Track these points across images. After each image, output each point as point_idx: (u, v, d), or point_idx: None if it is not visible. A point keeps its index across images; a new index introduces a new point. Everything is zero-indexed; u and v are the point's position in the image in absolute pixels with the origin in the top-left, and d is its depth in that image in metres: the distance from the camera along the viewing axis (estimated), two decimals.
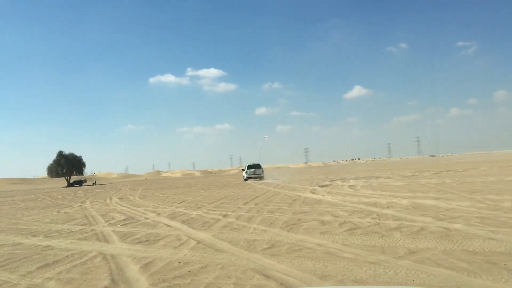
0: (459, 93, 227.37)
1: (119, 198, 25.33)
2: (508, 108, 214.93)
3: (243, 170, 39.31)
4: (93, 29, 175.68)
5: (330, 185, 22.90)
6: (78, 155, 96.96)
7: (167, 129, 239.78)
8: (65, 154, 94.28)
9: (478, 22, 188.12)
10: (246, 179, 36.81)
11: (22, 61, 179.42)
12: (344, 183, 23.80)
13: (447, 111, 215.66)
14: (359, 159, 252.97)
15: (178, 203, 18.22)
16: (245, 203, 15.71)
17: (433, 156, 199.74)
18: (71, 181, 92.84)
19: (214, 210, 14.06)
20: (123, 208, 17.98)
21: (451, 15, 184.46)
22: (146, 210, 16.16)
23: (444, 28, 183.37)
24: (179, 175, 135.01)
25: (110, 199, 25.39)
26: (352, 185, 21.03)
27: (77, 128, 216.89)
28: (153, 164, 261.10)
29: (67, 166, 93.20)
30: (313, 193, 18.18)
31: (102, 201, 24.36)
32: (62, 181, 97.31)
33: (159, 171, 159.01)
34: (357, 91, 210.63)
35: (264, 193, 20.53)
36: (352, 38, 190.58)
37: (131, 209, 17.19)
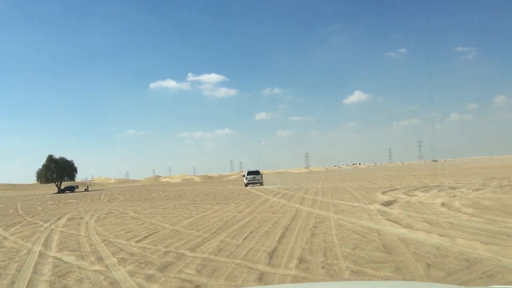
0: (459, 98, 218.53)
1: (69, 219, 16.33)
2: (508, 113, 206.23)
3: (244, 176, 39.20)
4: (94, 35, 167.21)
5: (394, 200, 13.83)
6: (69, 159, 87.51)
7: (167, 134, 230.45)
8: (55, 158, 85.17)
9: (478, 27, 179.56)
10: (246, 185, 36.39)
11: (23, 67, 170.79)
12: (415, 197, 14.75)
13: (447, 116, 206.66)
14: (360, 164, 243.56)
15: (138, 241, 9.20)
16: (272, 254, 6.68)
17: (435, 161, 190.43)
18: (62, 187, 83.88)
19: None
20: (29, 257, 8.97)
21: (450, 20, 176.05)
22: (57, 265, 7.15)
23: (444, 34, 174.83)
24: (178, 180, 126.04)
25: (57, 220, 16.41)
26: (444, 204, 11.92)
27: (78, 133, 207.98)
28: (153, 169, 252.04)
29: (57, 171, 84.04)
30: (399, 223, 9.07)
31: (41, 223, 15.58)
32: (53, 187, 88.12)
33: (159, 176, 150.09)
34: (357, 96, 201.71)
35: (293, 216, 11.52)
36: (352, 43, 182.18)
37: (40, 256, 8.19)
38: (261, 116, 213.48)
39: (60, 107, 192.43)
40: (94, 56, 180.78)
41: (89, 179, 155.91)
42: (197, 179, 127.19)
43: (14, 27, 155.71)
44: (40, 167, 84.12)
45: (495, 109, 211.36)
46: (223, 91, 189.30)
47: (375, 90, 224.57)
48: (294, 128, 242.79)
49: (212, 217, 13.18)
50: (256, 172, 37.26)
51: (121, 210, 19.49)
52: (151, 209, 18.33)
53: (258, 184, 36.02)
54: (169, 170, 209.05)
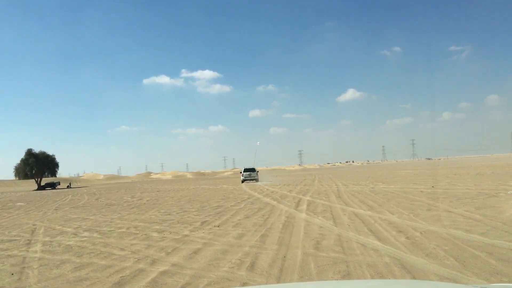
0: (452, 97, 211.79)
1: None
2: (500, 112, 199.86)
3: (240, 173, 40.06)
4: (87, 30, 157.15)
5: None
6: (51, 153, 78.24)
7: (161, 130, 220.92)
8: (35, 152, 75.78)
9: (471, 26, 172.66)
10: (243, 181, 37.09)
11: (15, 61, 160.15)
12: None
13: (440, 115, 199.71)
14: (353, 161, 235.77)
15: None
16: None
17: (429, 159, 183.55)
18: (43, 183, 74.68)
19: None
20: None
21: (444, 19, 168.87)
22: None
23: (437, 32, 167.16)
24: (169, 177, 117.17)
25: None
26: None
27: (70, 129, 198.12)
28: (146, 166, 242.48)
29: (37, 167, 74.77)
30: None
31: None
32: (34, 184, 78.70)
33: (150, 173, 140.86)
34: (351, 93, 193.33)
35: None
36: (346, 41, 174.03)
37: None
38: (254, 113, 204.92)
39: (53, 103, 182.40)
40: (87, 52, 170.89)
41: (81, 174, 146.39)
42: (189, 175, 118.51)
43: (6, 21, 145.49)
44: (19, 161, 74.93)
45: (487, 108, 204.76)
46: (217, 88, 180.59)
47: (368, 88, 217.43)
48: (287, 125, 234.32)
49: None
50: (252, 169, 38.18)
51: (41, 231, 11.02)
52: (86, 233, 9.85)
53: (254, 181, 36.82)
54: (162, 166, 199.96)
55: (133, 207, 16.92)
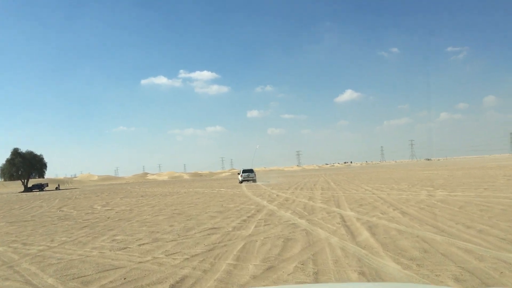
0: (449, 98, 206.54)
1: None
2: (498, 113, 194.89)
3: (238, 174, 40.23)
4: (85, 30, 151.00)
5: None
6: (38, 153, 71.97)
7: (158, 131, 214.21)
8: (21, 152, 69.49)
9: (469, 27, 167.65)
10: (241, 182, 37.14)
11: (14, 60, 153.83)
12: None
13: (437, 115, 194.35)
14: (351, 162, 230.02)
15: None
16: None
17: (428, 159, 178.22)
18: (30, 185, 68.56)
19: None
20: None
21: (442, 20, 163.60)
22: None
23: (435, 33, 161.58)
24: (165, 177, 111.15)
25: None
26: None
27: (68, 129, 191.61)
28: (143, 166, 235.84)
29: (24, 167, 68.56)
30: None
31: None
32: (20, 185, 72.45)
33: (146, 173, 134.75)
34: (349, 94, 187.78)
35: None
36: (344, 42, 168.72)
37: None
38: (252, 113, 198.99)
39: (50, 103, 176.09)
40: (85, 51, 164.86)
41: (78, 175, 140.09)
42: (186, 176, 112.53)
43: (3, 19, 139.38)
44: (4, 162, 68.70)
45: (485, 109, 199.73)
46: (215, 88, 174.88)
47: (366, 89, 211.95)
48: (285, 126, 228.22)
49: None
50: (250, 171, 38.38)
51: None
52: None
53: (252, 181, 36.82)
54: (159, 167, 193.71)
55: (86, 226, 11.03)
